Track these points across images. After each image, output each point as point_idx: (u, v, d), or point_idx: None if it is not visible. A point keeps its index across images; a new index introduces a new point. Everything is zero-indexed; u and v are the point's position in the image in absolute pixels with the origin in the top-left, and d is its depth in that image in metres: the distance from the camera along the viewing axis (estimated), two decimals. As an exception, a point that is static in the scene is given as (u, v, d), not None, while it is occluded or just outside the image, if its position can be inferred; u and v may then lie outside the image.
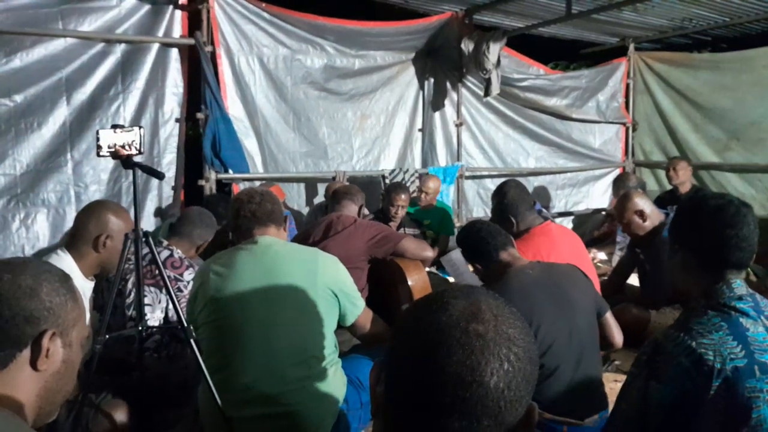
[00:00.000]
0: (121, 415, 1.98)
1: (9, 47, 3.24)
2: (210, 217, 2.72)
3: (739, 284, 1.27)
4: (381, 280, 2.60)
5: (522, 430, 0.68)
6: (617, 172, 6.11)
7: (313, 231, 2.74)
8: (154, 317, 2.30)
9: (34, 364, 0.89)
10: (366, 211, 4.24)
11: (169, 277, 2.30)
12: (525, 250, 2.18)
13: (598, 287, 2.39)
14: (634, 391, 1.23)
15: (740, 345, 1.16)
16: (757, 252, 4.00)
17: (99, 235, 1.95)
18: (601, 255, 4.23)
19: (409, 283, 2.45)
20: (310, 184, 4.62)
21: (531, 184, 5.45)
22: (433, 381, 0.66)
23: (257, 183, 4.15)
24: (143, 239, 2.00)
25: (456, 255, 2.91)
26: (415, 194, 4.61)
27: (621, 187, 4.37)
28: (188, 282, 2.39)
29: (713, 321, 1.21)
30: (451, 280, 3.25)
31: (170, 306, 2.34)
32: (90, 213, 2.01)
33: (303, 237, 2.76)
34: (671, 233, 1.41)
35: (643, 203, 2.85)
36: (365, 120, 4.77)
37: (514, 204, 2.62)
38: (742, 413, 1.12)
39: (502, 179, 4.53)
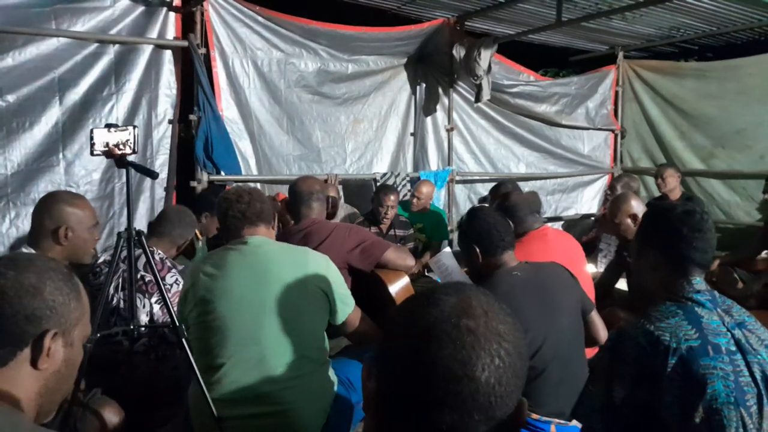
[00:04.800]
0: (110, 415, 1.97)
1: (1, 46, 3.21)
2: (190, 215, 2.68)
3: (699, 281, 1.39)
4: (363, 286, 2.57)
5: (512, 425, 0.70)
6: (606, 178, 6.19)
7: (288, 242, 2.35)
8: (138, 322, 2.28)
9: (34, 363, 0.88)
10: (357, 211, 4.27)
11: (149, 279, 2.29)
12: (518, 254, 2.19)
13: (592, 294, 2.40)
14: (600, 372, 1.33)
15: (694, 328, 1.28)
16: (742, 257, 4.02)
17: (57, 228, 1.89)
18: (590, 268, 4.21)
19: (391, 290, 2.42)
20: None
21: (522, 189, 5.49)
22: (424, 375, 0.66)
23: (253, 185, 4.16)
24: (136, 239, 2.01)
25: (444, 257, 2.91)
26: (407, 198, 4.64)
27: (611, 191, 4.35)
28: (170, 285, 2.37)
29: (670, 309, 1.34)
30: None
31: (155, 310, 2.33)
32: (42, 208, 1.94)
33: None
34: (640, 236, 1.53)
35: (638, 208, 2.84)
36: (358, 124, 4.80)
37: (514, 208, 2.64)
38: (698, 388, 1.21)
39: (493, 184, 4.60)
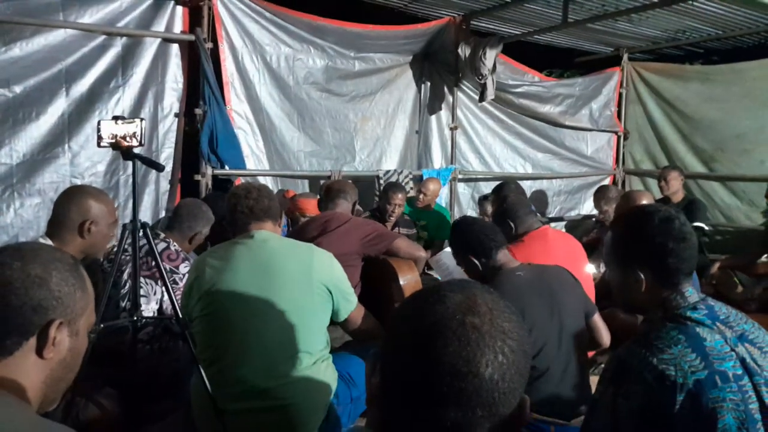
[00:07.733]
0: (112, 406, 1.99)
1: (8, 36, 3.21)
2: (200, 208, 2.68)
3: (690, 292, 1.30)
4: (373, 278, 2.62)
5: (515, 422, 0.70)
6: (609, 179, 6.19)
7: (308, 227, 2.73)
8: (148, 309, 2.29)
9: (40, 353, 0.88)
10: (360, 209, 4.28)
11: (165, 269, 2.31)
12: (519, 254, 2.21)
13: (592, 295, 2.41)
14: (603, 409, 1.24)
15: (699, 357, 1.19)
16: (743, 261, 4.00)
17: (83, 221, 1.90)
18: (590, 268, 4.20)
19: (401, 282, 2.47)
20: (314, 182, 4.64)
21: (528, 189, 5.51)
22: (428, 371, 0.67)
23: (261, 179, 4.16)
24: (141, 230, 2.02)
25: (445, 256, 2.93)
26: (411, 194, 4.65)
27: (602, 197, 4.35)
28: (184, 275, 2.39)
29: (671, 334, 1.23)
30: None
31: (165, 298, 2.35)
32: (70, 199, 1.96)
33: (297, 233, 2.77)
34: (616, 253, 1.38)
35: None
36: (366, 122, 4.81)
37: (514, 208, 2.65)
38: (708, 423, 1.15)
39: (495, 183, 4.61)
